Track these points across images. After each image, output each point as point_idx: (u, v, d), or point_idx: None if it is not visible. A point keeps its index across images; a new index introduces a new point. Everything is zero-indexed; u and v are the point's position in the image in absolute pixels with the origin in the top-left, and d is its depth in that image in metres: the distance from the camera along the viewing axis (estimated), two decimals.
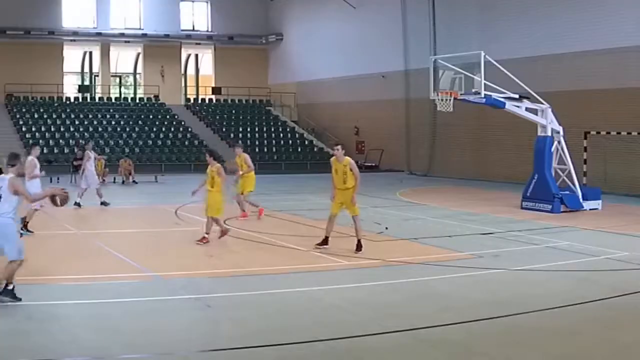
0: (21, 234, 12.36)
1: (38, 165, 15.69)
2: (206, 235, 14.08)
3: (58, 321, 8.64)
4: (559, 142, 20.13)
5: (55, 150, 35.61)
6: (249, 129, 42.13)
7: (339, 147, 13.39)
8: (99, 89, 44.53)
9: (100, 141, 37.12)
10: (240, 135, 41.16)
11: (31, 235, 14.23)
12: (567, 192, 19.94)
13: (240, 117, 43.84)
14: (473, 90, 19.44)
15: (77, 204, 19.32)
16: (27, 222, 14.63)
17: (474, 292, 10.34)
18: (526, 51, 27.79)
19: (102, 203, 20.05)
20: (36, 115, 39.10)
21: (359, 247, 13.16)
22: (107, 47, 43.97)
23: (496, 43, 28.01)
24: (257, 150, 39.25)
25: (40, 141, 36.03)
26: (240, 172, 17.72)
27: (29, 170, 15.21)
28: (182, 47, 45.82)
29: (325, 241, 13.43)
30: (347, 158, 13.30)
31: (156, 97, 44.19)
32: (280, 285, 10.61)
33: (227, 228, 14.71)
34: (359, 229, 13.26)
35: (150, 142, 38.45)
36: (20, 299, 8.97)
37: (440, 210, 20.28)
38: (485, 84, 19.14)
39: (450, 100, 19.75)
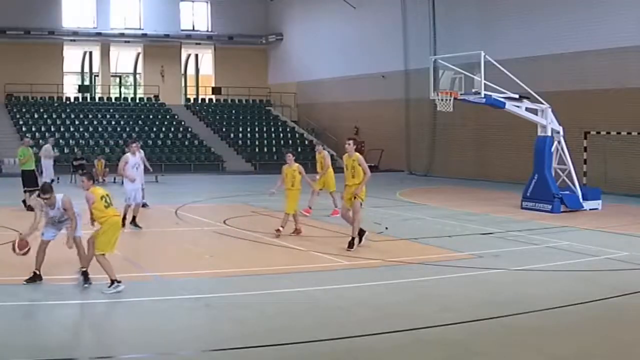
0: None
1: (130, 163, 16.09)
2: (299, 227, 14.99)
3: (58, 321, 8.65)
4: (559, 142, 20.12)
5: (55, 150, 35.53)
6: (249, 129, 42.11)
7: (351, 142, 13.53)
8: (99, 89, 44.50)
9: (100, 141, 37.19)
10: (240, 135, 41.20)
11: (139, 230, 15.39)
12: (567, 192, 19.93)
13: (240, 117, 43.82)
14: (473, 90, 19.42)
15: (145, 204, 19.65)
16: (135, 216, 15.68)
17: (474, 292, 10.34)
18: (526, 51, 27.74)
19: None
20: (36, 115, 39.08)
21: (350, 244, 13.17)
22: (107, 47, 43.94)
23: (496, 43, 27.98)
24: (257, 150, 39.32)
25: (40, 141, 36.07)
26: (320, 173, 18.49)
27: (121, 167, 16.00)
28: (182, 47, 45.79)
29: (357, 239, 13.40)
30: (357, 154, 13.44)
31: (156, 97, 44.17)
32: (280, 285, 10.60)
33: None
34: (355, 227, 13.24)
35: (150, 142, 38.39)
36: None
37: (440, 210, 20.27)
38: (485, 84, 19.12)
39: (450, 100, 19.73)
